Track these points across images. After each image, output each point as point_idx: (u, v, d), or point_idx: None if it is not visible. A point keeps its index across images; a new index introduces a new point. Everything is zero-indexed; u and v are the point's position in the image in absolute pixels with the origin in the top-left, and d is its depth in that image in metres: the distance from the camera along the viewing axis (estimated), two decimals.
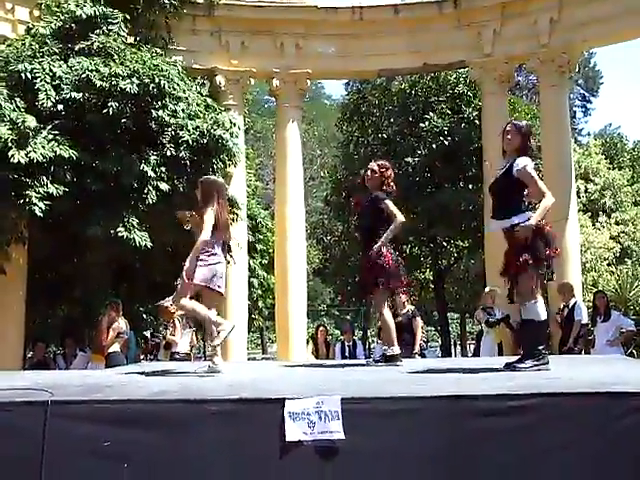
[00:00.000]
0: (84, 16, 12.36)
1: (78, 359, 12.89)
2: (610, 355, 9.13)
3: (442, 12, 16.41)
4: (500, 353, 11.43)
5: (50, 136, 11.35)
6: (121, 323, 11.32)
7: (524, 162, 5.90)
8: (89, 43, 12.18)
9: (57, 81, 11.69)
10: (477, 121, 19.61)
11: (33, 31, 12.68)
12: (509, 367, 5.81)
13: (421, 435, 4.32)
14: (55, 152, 11.09)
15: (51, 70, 11.71)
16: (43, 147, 11.07)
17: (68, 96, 11.58)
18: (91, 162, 11.60)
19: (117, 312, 11.38)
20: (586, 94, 44.67)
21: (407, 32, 16.51)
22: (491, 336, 12.02)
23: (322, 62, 16.83)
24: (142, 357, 14.00)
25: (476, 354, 12.31)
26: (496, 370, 5.83)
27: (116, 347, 11.17)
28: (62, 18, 12.52)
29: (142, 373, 6.44)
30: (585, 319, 11.44)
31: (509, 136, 6.09)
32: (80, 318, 15.10)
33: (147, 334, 12.01)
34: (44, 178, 11.12)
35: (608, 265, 24.80)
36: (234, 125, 13.54)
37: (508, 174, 5.95)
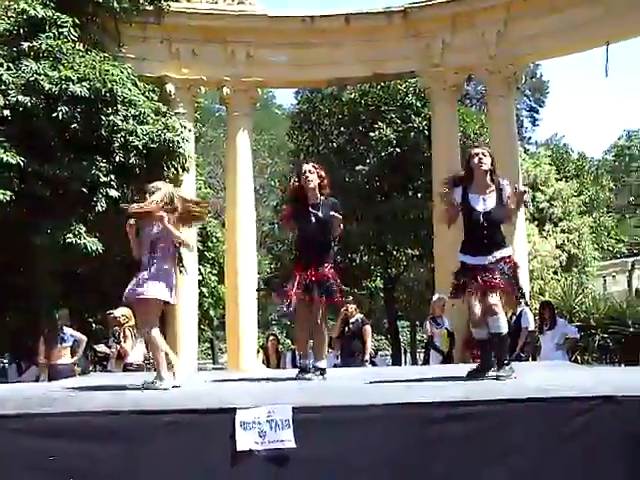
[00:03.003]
0: (38, 16, 12.09)
1: (29, 372, 12.65)
2: (556, 362, 9.29)
3: (391, 22, 16.59)
4: (446, 361, 11.49)
5: None
6: (68, 333, 11.11)
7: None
8: (37, 44, 11.93)
9: (3, 85, 11.45)
10: (426, 131, 19.83)
11: None
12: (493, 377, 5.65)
13: (372, 443, 4.36)
14: (1, 159, 10.87)
15: None
16: None
17: (14, 100, 11.36)
18: (39, 168, 11.38)
19: (65, 322, 11.17)
20: (533, 104, 45.43)
21: (357, 42, 16.65)
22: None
23: (273, 71, 16.85)
24: (91, 368, 13.75)
25: (426, 362, 12.37)
26: (445, 378, 5.88)
27: (64, 359, 10.96)
28: (9, 21, 12.27)
29: (91, 385, 6.33)
30: (532, 326, 11.60)
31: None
32: (28, 329, 14.75)
33: (102, 346, 11.72)
34: None
35: (554, 273, 25.23)
36: (185, 128, 13.42)
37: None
